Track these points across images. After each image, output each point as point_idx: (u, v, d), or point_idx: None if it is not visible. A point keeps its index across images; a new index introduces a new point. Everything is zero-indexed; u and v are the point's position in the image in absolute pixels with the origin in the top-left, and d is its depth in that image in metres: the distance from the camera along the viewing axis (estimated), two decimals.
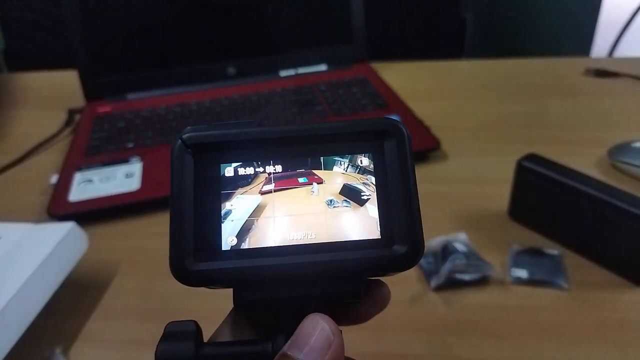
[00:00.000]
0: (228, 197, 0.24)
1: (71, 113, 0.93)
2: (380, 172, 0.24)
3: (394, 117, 0.26)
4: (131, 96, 0.94)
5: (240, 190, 0.24)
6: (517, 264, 0.57)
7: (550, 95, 0.93)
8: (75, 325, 0.55)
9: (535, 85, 0.97)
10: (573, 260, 0.58)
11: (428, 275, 0.57)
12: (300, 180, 0.25)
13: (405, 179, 0.24)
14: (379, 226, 0.24)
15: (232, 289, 0.24)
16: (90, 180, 0.73)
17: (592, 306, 0.53)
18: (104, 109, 0.91)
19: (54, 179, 0.76)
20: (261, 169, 0.24)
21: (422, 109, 0.84)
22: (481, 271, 0.56)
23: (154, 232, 0.66)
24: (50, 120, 0.93)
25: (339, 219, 0.24)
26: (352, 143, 0.25)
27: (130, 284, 0.60)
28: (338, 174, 0.25)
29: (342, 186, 0.25)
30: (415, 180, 0.24)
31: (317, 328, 0.21)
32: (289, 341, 0.22)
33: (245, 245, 0.24)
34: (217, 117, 0.85)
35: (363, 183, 0.25)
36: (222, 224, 0.24)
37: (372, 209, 0.24)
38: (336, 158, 0.25)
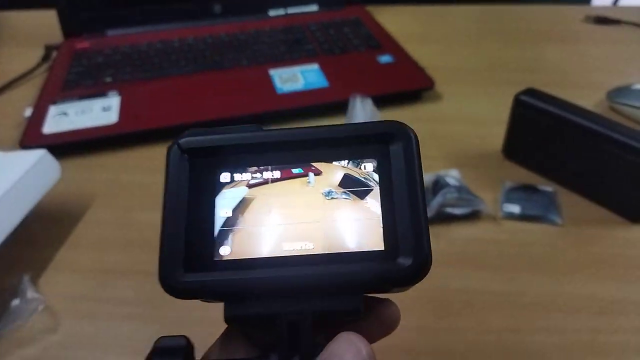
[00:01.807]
0: (223, 204, 0.23)
1: (49, 49, 0.88)
2: (385, 179, 0.22)
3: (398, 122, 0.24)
4: (111, 33, 0.89)
5: (231, 191, 0.23)
6: (510, 200, 0.55)
7: (549, 41, 0.89)
8: (46, 254, 0.52)
9: (534, 31, 0.93)
10: (567, 198, 0.56)
11: None
12: (295, 171, 0.23)
13: (412, 186, 0.22)
14: (382, 236, 0.22)
15: (223, 303, 0.22)
16: (65, 113, 0.70)
17: (586, 242, 0.51)
18: (82, 45, 0.86)
19: (28, 112, 0.72)
20: (259, 175, 0.23)
21: (417, 52, 0.80)
22: (472, 205, 0.53)
23: (131, 165, 0.63)
24: (28, 56, 0.88)
25: (337, 215, 0.22)
26: (355, 147, 0.23)
27: (105, 215, 0.57)
28: (338, 167, 0.23)
29: (342, 177, 0.23)
30: (424, 188, 0.22)
31: (350, 350, 0.19)
32: (318, 359, 0.20)
33: (238, 256, 0.22)
34: (201, 55, 0.81)
35: (365, 178, 0.23)
36: (215, 233, 0.22)
37: (373, 204, 0.22)
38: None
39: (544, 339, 0.43)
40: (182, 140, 0.23)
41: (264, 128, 0.24)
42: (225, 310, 0.22)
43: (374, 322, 0.24)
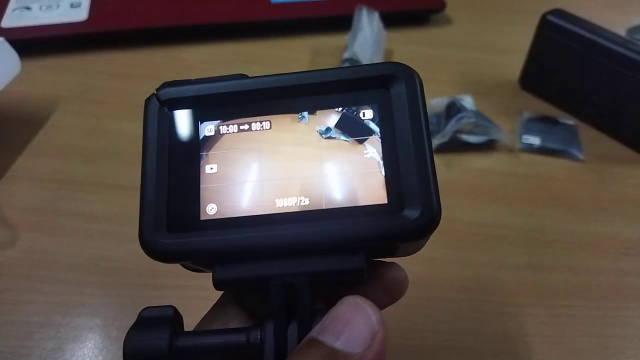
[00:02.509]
0: (208, 159, 0.21)
1: None
2: (386, 125, 0.20)
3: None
4: None
5: (220, 146, 0.21)
6: (529, 131, 0.50)
7: None
8: (3, 160, 0.45)
9: None
10: (588, 133, 0.51)
11: None
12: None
13: (417, 132, 0.19)
14: (385, 188, 0.19)
15: (211, 268, 0.20)
16: (28, 8, 0.60)
17: (609, 180, 0.47)
18: None
19: None
20: (246, 126, 0.21)
21: None
22: (489, 134, 0.48)
23: (102, 70, 0.56)
24: None
25: (334, 166, 0.20)
26: (353, 93, 0.21)
27: (70, 121, 0.49)
28: (333, 111, 0.21)
29: (340, 117, 0.20)
30: (430, 134, 0.19)
31: (358, 313, 0.17)
32: (320, 325, 0.17)
33: (226, 215, 0.20)
34: None
35: (364, 124, 0.20)
36: (201, 190, 0.20)
37: (373, 154, 0.20)
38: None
39: (567, 278, 0.39)
40: (160, 92, 0.21)
41: (250, 76, 0.21)
42: (214, 273, 0.19)
43: (379, 288, 0.21)
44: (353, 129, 0.20)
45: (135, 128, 0.42)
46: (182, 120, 0.21)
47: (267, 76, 0.21)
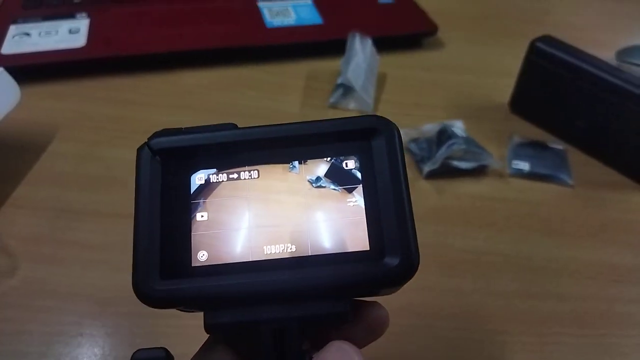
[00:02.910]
0: (199, 207, 0.21)
1: None
2: (368, 176, 0.21)
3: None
4: None
5: (211, 195, 0.22)
6: (518, 156, 0.51)
7: None
8: (3, 189, 0.46)
9: None
10: (578, 158, 0.52)
11: (420, 161, 0.50)
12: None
13: (396, 183, 0.21)
14: (367, 236, 0.20)
15: (202, 311, 0.21)
16: (27, 34, 0.61)
17: (598, 205, 0.48)
18: None
19: None
20: (235, 175, 0.22)
21: None
22: (479, 160, 0.49)
23: (100, 96, 0.57)
24: None
25: (320, 214, 0.21)
26: (336, 144, 0.22)
27: (69, 149, 0.50)
28: (322, 161, 0.22)
29: (329, 166, 0.22)
30: (408, 184, 0.21)
31: (344, 357, 0.19)
32: None
33: (217, 261, 0.21)
34: None
35: (348, 175, 0.22)
36: (192, 237, 0.21)
37: (357, 203, 0.21)
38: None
39: (556, 305, 0.39)
40: (152, 141, 0.22)
41: (239, 127, 0.22)
42: (205, 318, 0.20)
43: (361, 326, 0.22)
44: (342, 178, 0.21)
45: (130, 155, 0.42)
46: (174, 169, 0.22)
47: (255, 127, 0.22)
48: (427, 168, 0.48)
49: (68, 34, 0.61)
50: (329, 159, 0.22)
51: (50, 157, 0.49)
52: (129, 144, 0.51)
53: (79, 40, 0.61)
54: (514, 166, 0.50)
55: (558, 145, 0.53)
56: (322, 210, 0.21)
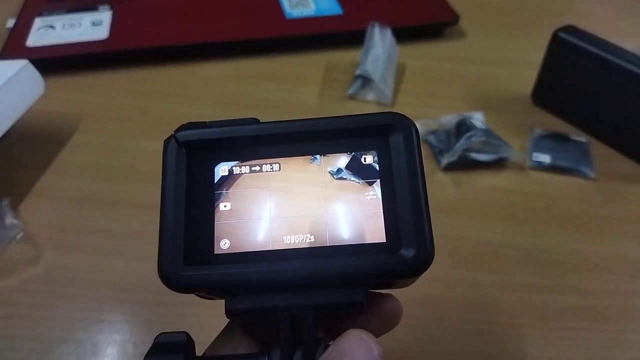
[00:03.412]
0: (222, 197, 0.22)
1: None
2: (385, 171, 0.22)
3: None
4: None
5: (234, 186, 0.22)
6: (539, 149, 0.50)
7: None
8: (28, 178, 0.47)
9: None
10: (601, 150, 0.51)
11: (438, 153, 0.49)
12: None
13: (413, 178, 0.21)
14: (384, 229, 0.21)
15: (223, 298, 0.22)
16: (51, 27, 0.63)
17: (620, 199, 0.47)
18: None
19: (10, 23, 0.65)
20: (257, 168, 0.22)
21: None
22: (499, 152, 0.48)
23: (122, 87, 0.58)
24: None
25: (339, 206, 0.22)
26: (355, 139, 0.22)
27: (92, 140, 0.51)
28: (343, 154, 0.22)
29: (350, 158, 0.22)
30: (424, 179, 0.21)
31: (362, 347, 0.19)
32: (327, 355, 0.19)
33: (239, 249, 0.22)
34: None
35: (366, 169, 0.22)
36: (215, 226, 0.22)
37: (375, 196, 0.22)
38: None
39: (573, 299, 0.39)
40: (179, 134, 0.23)
41: (262, 121, 0.23)
42: (226, 304, 0.21)
43: (375, 318, 0.23)
44: (361, 172, 0.22)
45: (153, 146, 0.43)
46: (199, 161, 0.23)
47: (277, 122, 0.23)
48: (445, 160, 0.48)
49: (91, 26, 0.62)
50: (348, 153, 0.22)
51: (73, 147, 0.50)
52: (150, 135, 0.52)
53: (102, 32, 0.62)
54: (534, 158, 0.49)
55: (581, 137, 0.52)
56: (341, 202, 0.22)
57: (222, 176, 0.23)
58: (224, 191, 0.22)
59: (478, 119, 0.52)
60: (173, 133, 0.23)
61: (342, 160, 0.22)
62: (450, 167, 0.48)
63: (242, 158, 0.23)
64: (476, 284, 0.40)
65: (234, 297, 0.21)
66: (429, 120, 0.52)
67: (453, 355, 0.36)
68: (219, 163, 0.23)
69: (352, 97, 0.57)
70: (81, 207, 0.45)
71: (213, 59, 0.61)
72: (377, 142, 0.22)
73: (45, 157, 0.49)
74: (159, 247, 0.21)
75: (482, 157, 0.48)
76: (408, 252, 0.20)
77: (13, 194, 0.45)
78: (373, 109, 0.56)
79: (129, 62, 0.60)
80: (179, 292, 0.21)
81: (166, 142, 0.23)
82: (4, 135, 0.44)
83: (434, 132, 0.51)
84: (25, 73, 0.48)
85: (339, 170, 0.22)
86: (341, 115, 0.23)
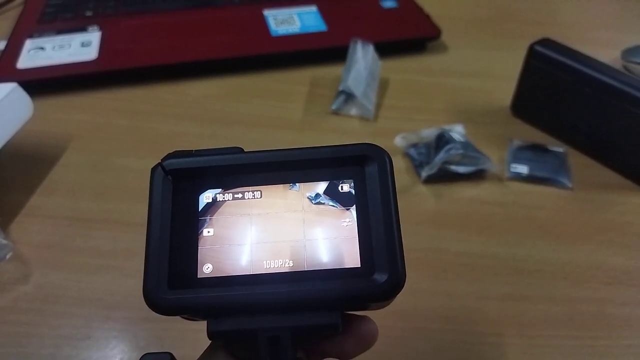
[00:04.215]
0: (206, 223, 0.23)
1: None
2: (361, 198, 0.23)
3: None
4: None
5: (217, 212, 0.24)
6: (517, 160, 0.52)
7: None
8: (18, 199, 0.48)
9: None
10: (579, 160, 0.53)
11: (418, 166, 0.50)
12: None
13: (386, 206, 0.23)
14: (359, 254, 0.22)
15: (206, 320, 0.23)
16: (42, 48, 0.64)
17: (596, 207, 0.48)
18: None
19: (1, 45, 0.66)
20: (240, 195, 0.24)
21: None
22: (477, 164, 0.50)
23: (110, 107, 0.59)
24: None
25: (316, 232, 0.23)
26: (333, 169, 0.24)
27: (81, 159, 0.52)
28: (320, 183, 0.24)
29: (327, 186, 0.24)
30: (397, 208, 0.23)
31: None
32: None
33: (220, 273, 0.23)
34: None
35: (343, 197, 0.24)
36: (199, 251, 0.23)
37: (350, 223, 0.23)
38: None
39: (549, 308, 0.40)
40: (165, 162, 0.24)
41: (245, 150, 0.24)
42: (208, 326, 0.22)
43: (352, 338, 0.24)
44: (339, 198, 0.23)
45: (140, 164, 0.45)
46: (184, 188, 0.24)
47: (259, 152, 0.24)
48: (425, 173, 0.49)
49: (80, 47, 0.64)
50: (326, 181, 0.24)
51: (63, 167, 0.51)
52: (138, 153, 0.54)
53: (91, 53, 0.63)
54: (512, 170, 0.51)
55: (559, 148, 0.53)
56: (319, 227, 0.23)
57: (207, 203, 0.24)
58: (207, 217, 0.23)
59: (458, 131, 0.53)
60: (160, 161, 0.24)
61: (321, 186, 0.24)
62: (430, 180, 0.49)
63: (226, 186, 0.24)
64: (454, 295, 0.41)
65: (215, 319, 0.22)
66: (409, 133, 0.53)
67: None
68: (203, 191, 0.24)
69: (335, 112, 0.58)
70: (70, 226, 0.46)
71: (200, 77, 0.63)
72: (354, 171, 0.24)
73: (35, 177, 0.50)
74: (144, 271, 0.22)
75: (461, 169, 0.49)
76: (381, 277, 0.21)
77: (3, 214, 0.46)
78: (356, 124, 0.57)
79: (117, 82, 0.61)
80: (163, 315, 0.22)
81: (153, 169, 0.24)
82: None
83: (414, 146, 0.52)
84: (14, 96, 0.49)
85: (317, 196, 0.23)
86: (320, 145, 0.24)
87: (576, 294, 0.41)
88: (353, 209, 0.23)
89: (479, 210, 0.47)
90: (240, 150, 0.24)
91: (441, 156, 0.49)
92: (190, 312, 0.22)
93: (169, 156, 0.24)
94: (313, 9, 0.72)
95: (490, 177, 0.50)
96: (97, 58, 0.62)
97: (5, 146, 0.46)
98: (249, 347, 0.23)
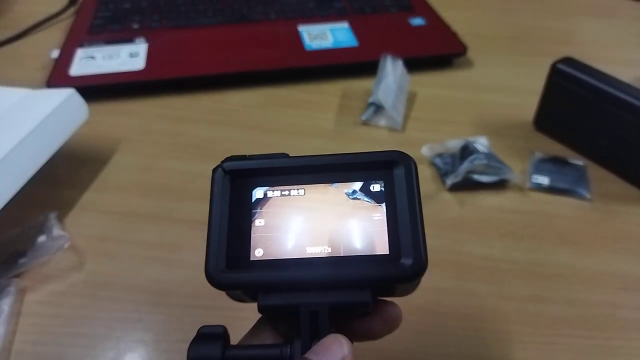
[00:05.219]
0: (257, 215, 0.27)
1: None
2: (390, 197, 0.27)
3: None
4: None
5: (267, 206, 0.28)
6: (539, 171, 0.54)
7: (585, 14, 0.86)
8: (73, 195, 0.53)
9: (571, 2, 0.90)
10: (598, 173, 0.55)
11: (444, 174, 0.54)
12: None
13: (412, 202, 0.26)
14: (388, 243, 0.26)
15: (256, 297, 0.26)
16: (92, 57, 0.69)
17: (614, 218, 0.50)
18: None
19: (55, 53, 0.72)
20: (287, 192, 0.27)
21: (449, 17, 0.78)
22: (500, 174, 0.52)
23: (157, 113, 0.63)
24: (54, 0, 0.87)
25: (351, 224, 0.26)
26: (366, 171, 0.27)
27: (131, 160, 0.57)
28: (355, 183, 0.28)
29: (361, 185, 0.27)
30: (421, 205, 0.26)
31: (336, 343, 0.24)
32: (312, 349, 0.24)
33: (270, 257, 0.26)
34: (228, 6, 0.79)
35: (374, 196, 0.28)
36: (252, 238, 0.27)
37: (381, 217, 0.27)
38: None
39: (565, 309, 0.43)
40: (225, 164, 0.28)
41: (290, 155, 0.29)
42: (259, 300, 0.25)
43: (380, 319, 0.27)
44: (371, 197, 0.27)
45: (183, 166, 0.49)
46: (239, 186, 0.28)
47: (303, 156, 0.28)
48: (449, 181, 0.52)
49: (129, 57, 0.69)
50: (360, 182, 0.27)
51: (114, 167, 0.56)
52: (182, 156, 0.58)
53: (139, 63, 0.68)
54: (533, 180, 0.53)
55: (579, 161, 0.56)
56: (354, 220, 0.27)
57: (258, 198, 0.28)
58: (259, 210, 0.27)
59: (482, 143, 0.56)
60: (220, 163, 0.28)
61: (356, 185, 0.27)
62: (454, 188, 0.52)
63: (274, 184, 0.28)
64: (475, 294, 0.44)
65: (265, 295, 0.26)
66: (435, 144, 0.56)
67: (454, 357, 0.40)
68: (255, 187, 0.28)
69: (365, 123, 0.61)
70: (120, 220, 0.50)
71: (239, 88, 0.67)
72: (384, 173, 0.27)
73: (88, 175, 0.55)
74: (206, 254, 0.26)
75: (484, 178, 0.52)
76: (407, 261, 0.25)
77: (60, 209, 0.50)
78: (384, 134, 0.60)
79: (163, 90, 0.66)
80: (221, 290, 0.26)
81: (214, 170, 0.28)
82: (52, 156, 0.50)
83: (440, 155, 0.55)
84: (72, 100, 0.54)
85: (354, 192, 0.27)
86: (355, 152, 0.28)
87: (592, 297, 0.43)
88: (383, 205, 0.27)
89: (500, 217, 0.50)
90: (286, 155, 0.29)
91: (465, 165, 0.52)
92: (243, 288, 0.26)
93: (227, 159, 0.28)
94: (345, 25, 0.76)
95: (512, 187, 0.53)
96: (145, 68, 0.67)
97: (61, 147, 0.51)
98: (291, 323, 0.26)
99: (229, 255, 0.26)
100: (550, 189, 0.53)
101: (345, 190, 0.27)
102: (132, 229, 0.49)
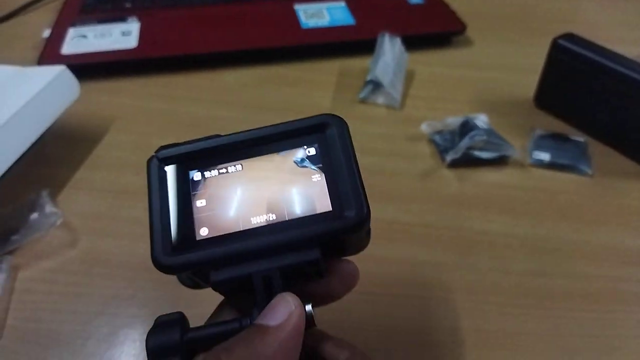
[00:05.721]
0: (197, 196, 0.27)
1: None
2: (326, 157, 0.27)
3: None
4: None
5: (206, 186, 0.27)
6: (539, 147, 0.54)
7: None
8: (65, 173, 0.52)
9: None
10: (599, 149, 0.54)
11: (443, 151, 0.53)
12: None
13: (347, 158, 0.27)
14: (329, 200, 0.26)
15: (208, 277, 0.26)
16: (84, 36, 0.68)
17: (615, 193, 0.50)
18: None
19: (46, 33, 0.70)
20: (224, 170, 0.27)
21: None
22: (500, 150, 0.52)
23: (150, 92, 0.62)
24: None
25: (293, 182, 0.27)
26: (299, 138, 0.27)
27: (124, 138, 0.56)
28: (290, 151, 0.27)
29: (298, 151, 0.27)
30: (356, 159, 0.27)
31: (281, 300, 0.24)
32: (261, 314, 0.24)
33: (215, 234, 0.26)
34: None
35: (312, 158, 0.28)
36: (195, 219, 0.26)
37: (320, 177, 0.27)
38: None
39: (566, 283, 0.42)
40: (158, 153, 0.28)
41: (223, 134, 0.28)
42: (211, 277, 0.25)
43: (335, 280, 0.28)
44: (309, 159, 0.27)
45: None
46: (176, 171, 0.28)
47: (234, 133, 0.28)
48: (449, 157, 0.51)
49: (121, 36, 0.67)
50: (296, 148, 0.27)
51: (106, 145, 0.55)
52: (176, 135, 0.56)
53: (131, 41, 0.66)
54: (534, 156, 0.53)
55: (580, 137, 0.55)
56: (294, 185, 0.27)
57: (196, 180, 0.27)
58: (198, 191, 0.27)
59: (482, 120, 0.55)
60: (153, 154, 0.28)
61: (292, 152, 0.27)
62: (454, 164, 0.52)
63: (210, 164, 0.28)
64: (476, 268, 0.43)
65: (216, 272, 0.25)
66: (434, 122, 0.55)
67: (455, 330, 0.39)
68: (191, 170, 0.28)
69: (363, 101, 0.60)
70: (114, 198, 0.49)
71: (234, 67, 0.66)
72: (317, 137, 0.28)
73: (81, 153, 0.54)
74: (150, 242, 0.26)
75: (484, 154, 0.51)
76: (349, 213, 0.25)
77: (53, 187, 0.49)
78: (382, 112, 0.59)
79: (156, 69, 0.65)
80: (170, 274, 0.26)
81: (149, 161, 0.28)
82: (45, 134, 0.49)
83: (439, 132, 0.54)
84: (63, 77, 0.53)
85: (290, 160, 0.27)
86: (285, 121, 0.28)
87: (593, 271, 0.43)
88: (320, 166, 0.27)
89: (501, 193, 0.49)
90: (218, 136, 0.28)
91: (465, 141, 0.51)
92: (192, 268, 0.26)
93: (161, 148, 0.28)
94: (342, 3, 0.75)
95: (513, 163, 0.52)
96: (138, 46, 0.66)
97: (53, 125, 0.50)
98: (250, 297, 0.26)
99: (175, 239, 0.26)
100: (551, 165, 0.52)
101: (282, 161, 0.27)
102: (125, 206, 0.48)
